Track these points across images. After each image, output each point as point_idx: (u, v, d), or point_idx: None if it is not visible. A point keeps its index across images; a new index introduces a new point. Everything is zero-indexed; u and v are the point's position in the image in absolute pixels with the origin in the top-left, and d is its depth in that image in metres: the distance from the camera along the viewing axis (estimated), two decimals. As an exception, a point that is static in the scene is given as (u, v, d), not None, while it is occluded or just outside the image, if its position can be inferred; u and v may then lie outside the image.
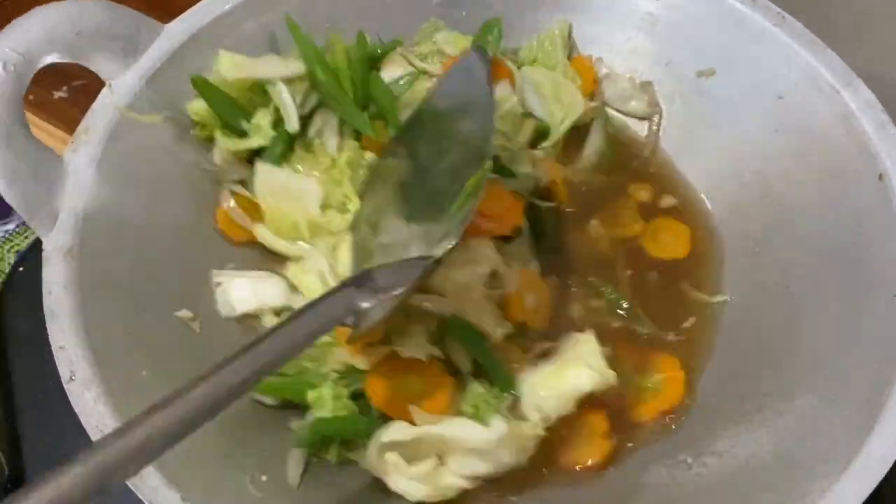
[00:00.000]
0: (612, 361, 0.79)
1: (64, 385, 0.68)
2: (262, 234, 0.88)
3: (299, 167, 0.88)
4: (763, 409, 0.78)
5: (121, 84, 0.83)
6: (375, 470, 0.76)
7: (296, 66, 0.88)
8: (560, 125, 0.97)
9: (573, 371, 0.77)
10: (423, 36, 1.01)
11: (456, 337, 0.80)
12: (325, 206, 0.86)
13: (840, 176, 0.83)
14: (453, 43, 0.99)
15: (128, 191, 0.81)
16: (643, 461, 0.80)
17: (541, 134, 0.97)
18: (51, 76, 1.12)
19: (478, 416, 0.76)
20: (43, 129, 1.15)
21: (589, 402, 0.79)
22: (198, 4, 0.89)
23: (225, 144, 0.88)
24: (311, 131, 0.89)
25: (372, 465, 0.76)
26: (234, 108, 0.88)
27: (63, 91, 1.20)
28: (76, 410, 0.68)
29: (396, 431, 0.74)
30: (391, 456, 0.74)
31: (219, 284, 0.84)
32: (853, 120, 0.82)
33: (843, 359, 0.75)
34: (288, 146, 0.88)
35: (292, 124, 0.87)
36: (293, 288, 0.86)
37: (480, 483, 0.76)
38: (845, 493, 0.64)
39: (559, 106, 0.96)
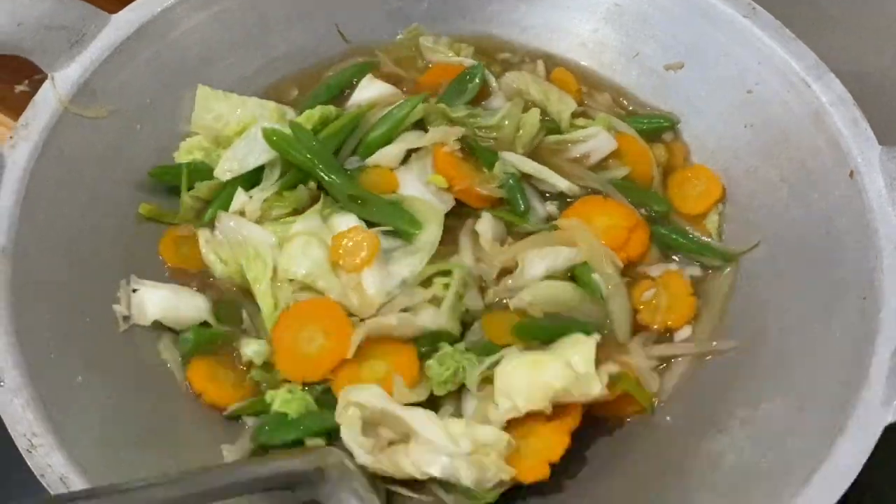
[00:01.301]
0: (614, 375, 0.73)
1: (-8, 391, 0.66)
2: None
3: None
4: (731, 417, 0.75)
5: (64, 76, 0.80)
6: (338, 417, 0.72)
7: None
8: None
9: (550, 364, 0.72)
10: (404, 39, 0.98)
11: None
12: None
13: (810, 174, 0.80)
14: (441, 52, 0.95)
15: (66, 189, 0.78)
16: (598, 472, 0.77)
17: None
18: (12, 70, 1.10)
19: (449, 380, 0.73)
20: (3, 124, 1.12)
21: (566, 409, 0.72)
22: (147, -8, 0.86)
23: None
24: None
25: (336, 413, 0.72)
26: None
27: (25, 85, 1.17)
28: (3, 417, 0.65)
29: (367, 395, 0.72)
30: (352, 411, 0.71)
31: (135, 290, 0.79)
32: (825, 115, 0.79)
33: (810, 363, 0.73)
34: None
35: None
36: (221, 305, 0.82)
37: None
38: (808, 504, 0.62)
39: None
